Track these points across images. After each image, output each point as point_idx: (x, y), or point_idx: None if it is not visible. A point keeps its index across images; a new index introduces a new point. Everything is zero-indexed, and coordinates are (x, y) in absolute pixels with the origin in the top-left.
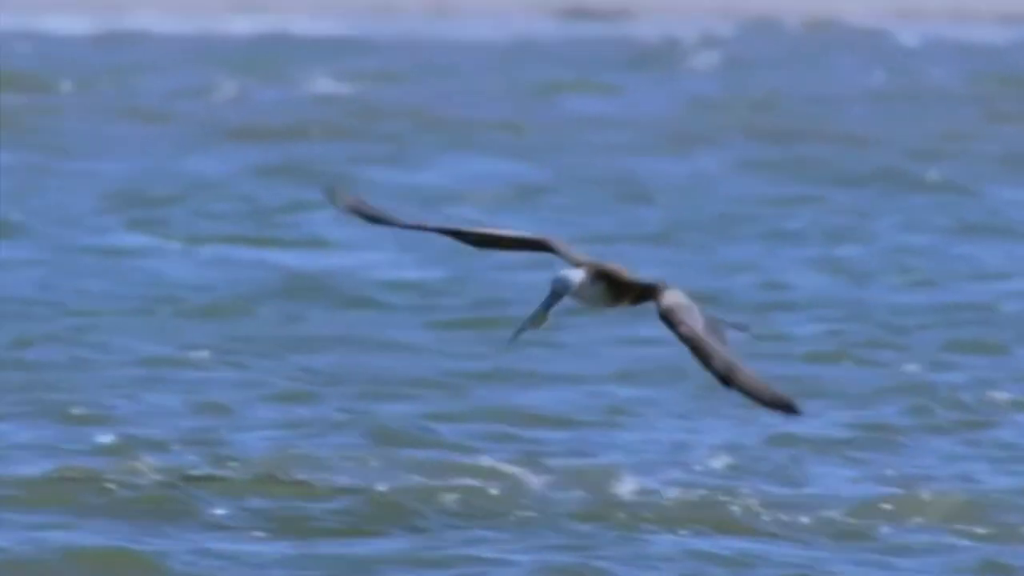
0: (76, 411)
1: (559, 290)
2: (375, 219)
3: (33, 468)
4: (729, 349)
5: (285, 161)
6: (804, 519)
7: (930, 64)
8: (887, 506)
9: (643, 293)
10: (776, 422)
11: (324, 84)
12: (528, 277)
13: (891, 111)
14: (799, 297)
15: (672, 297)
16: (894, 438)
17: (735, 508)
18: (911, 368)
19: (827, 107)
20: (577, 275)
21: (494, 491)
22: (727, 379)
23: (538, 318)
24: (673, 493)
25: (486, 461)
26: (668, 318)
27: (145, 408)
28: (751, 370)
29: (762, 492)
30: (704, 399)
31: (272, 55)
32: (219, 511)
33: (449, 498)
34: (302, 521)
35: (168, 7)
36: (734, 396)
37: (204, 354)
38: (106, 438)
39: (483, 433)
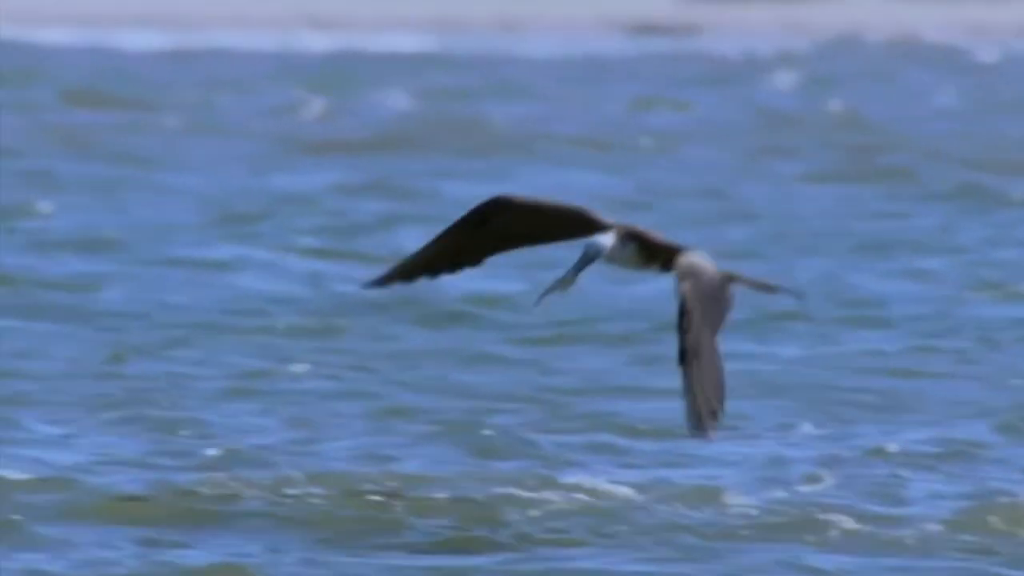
0: (174, 425)
1: (591, 254)
2: (412, 276)
3: (135, 482)
4: (720, 328)
5: (370, 177)
6: (904, 533)
7: (1008, 80)
8: (991, 518)
9: (671, 256)
10: (871, 436)
11: (402, 100)
12: (618, 290)
13: (970, 126)
14: (887, 312)
15: (692, 257)
16: (989, 453)
17: (834, 522)
18: (1004, 382)
19: (907, 123)
20: (608, 239)
21: (592, 503)
22: (684, 359)
23: (566, 281)
24: (771, 506)
25: (584, 473)
26: (680, 273)
27: (242, 422)
28: (715, 372)
29: (860, 506)
30: (800, 414)
31: (348, 71)
32: (318, 524)
33: (547, 510)
34: (400, 534)
35: (243, 24)
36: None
37: (299, 368)
38: (205, 452)
39: (580, 445)
